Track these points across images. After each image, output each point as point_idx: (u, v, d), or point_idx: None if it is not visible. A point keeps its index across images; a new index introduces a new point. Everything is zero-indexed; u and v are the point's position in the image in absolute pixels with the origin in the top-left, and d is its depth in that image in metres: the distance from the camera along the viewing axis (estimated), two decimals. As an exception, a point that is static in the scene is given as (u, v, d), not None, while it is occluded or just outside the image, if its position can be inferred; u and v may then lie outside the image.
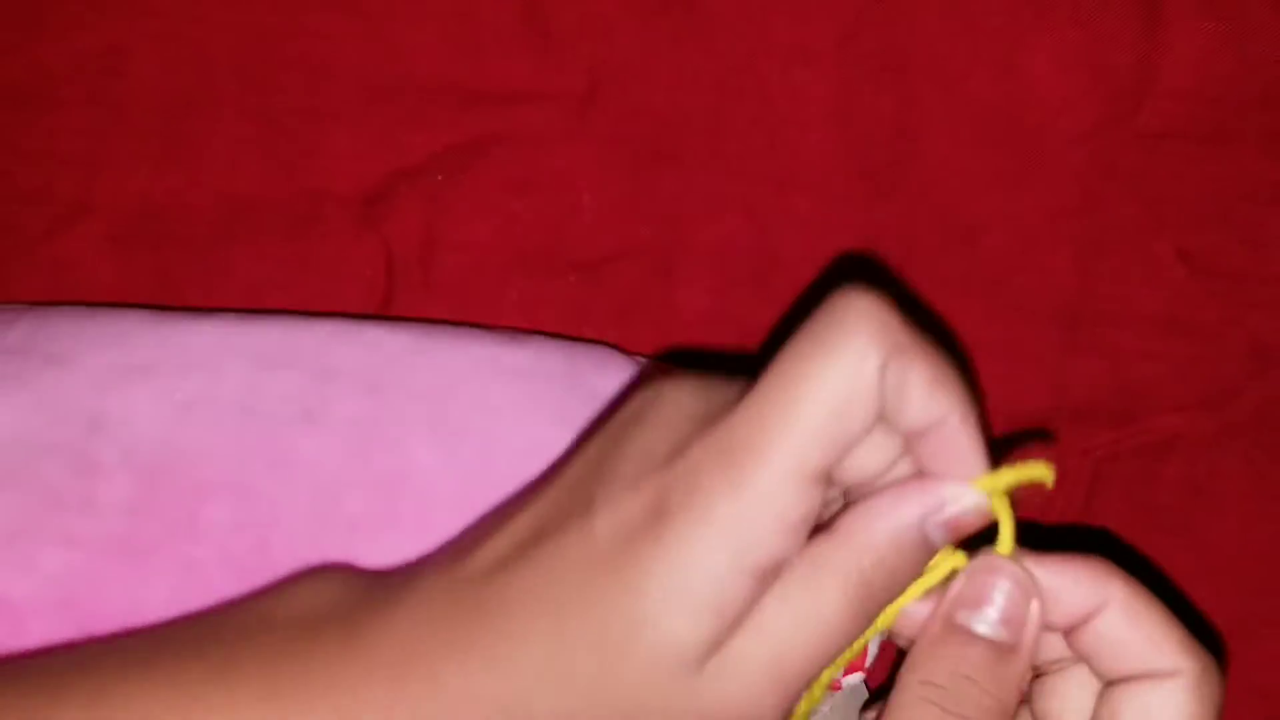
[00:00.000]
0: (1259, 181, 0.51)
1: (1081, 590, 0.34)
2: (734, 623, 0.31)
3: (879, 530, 0.32)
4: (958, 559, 0.34)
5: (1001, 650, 0.33)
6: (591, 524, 0.32)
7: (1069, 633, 0.35)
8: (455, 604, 0.33)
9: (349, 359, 0.43)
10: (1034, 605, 0.34)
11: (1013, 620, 0.34)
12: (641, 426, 0.33)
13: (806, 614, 0.31)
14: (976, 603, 0.34)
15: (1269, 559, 0.50)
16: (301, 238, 0.52)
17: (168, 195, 0.52)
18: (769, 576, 0.31)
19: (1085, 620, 0.34)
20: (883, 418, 0.32)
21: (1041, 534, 0.36)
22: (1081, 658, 0.35)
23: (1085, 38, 0.51)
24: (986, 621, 0.34)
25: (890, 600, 0.33)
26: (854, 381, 0.31)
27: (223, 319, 0.45)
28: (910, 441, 0.33)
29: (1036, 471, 0.33)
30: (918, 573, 0.34)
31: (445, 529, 0.39)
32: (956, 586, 0.34)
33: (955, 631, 0.34)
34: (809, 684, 0.32)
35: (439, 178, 0.52)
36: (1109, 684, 0.35)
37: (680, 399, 0.34)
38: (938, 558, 0.34)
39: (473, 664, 0.32)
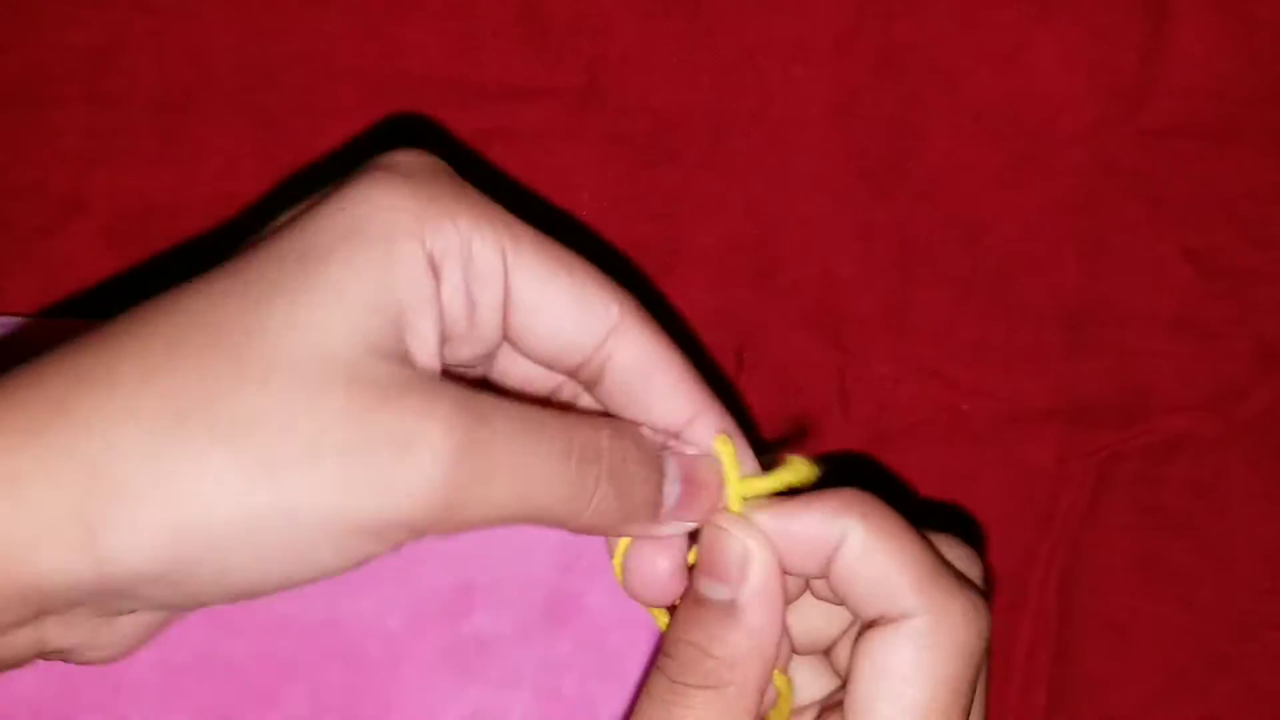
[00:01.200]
0: (1264, 179, 0.51)
1: (821, 529, 0.31)
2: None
3: None
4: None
5: (723, 611, 0.31)
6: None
7: (829, 575, 0.32)
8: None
9: None
10: (757, 560, 0.31)
11: (730, 577, 0.31)
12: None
13: None
14: (706, 567, 0.32)
15: (1274, 559, 0.50)
16: (298, 235, 0.52)
17: (163, 193, 0.52)
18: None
19: (830, 560, 0.31)
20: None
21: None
22: (839, 600, 0.32)
23: (1088, 34, 0.50)
24: (707, 583, 0.32)
25: None
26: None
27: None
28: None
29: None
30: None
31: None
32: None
33: (690, 599, 0.32)
34: None
35: (437, 175, 0.52)
36: (865, 628, 0.32)
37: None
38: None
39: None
